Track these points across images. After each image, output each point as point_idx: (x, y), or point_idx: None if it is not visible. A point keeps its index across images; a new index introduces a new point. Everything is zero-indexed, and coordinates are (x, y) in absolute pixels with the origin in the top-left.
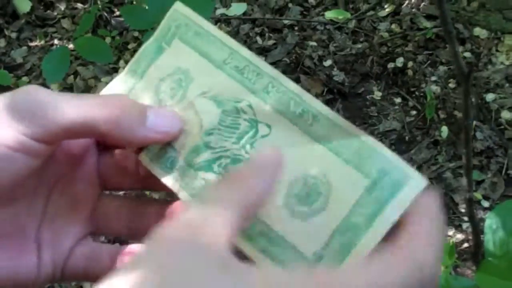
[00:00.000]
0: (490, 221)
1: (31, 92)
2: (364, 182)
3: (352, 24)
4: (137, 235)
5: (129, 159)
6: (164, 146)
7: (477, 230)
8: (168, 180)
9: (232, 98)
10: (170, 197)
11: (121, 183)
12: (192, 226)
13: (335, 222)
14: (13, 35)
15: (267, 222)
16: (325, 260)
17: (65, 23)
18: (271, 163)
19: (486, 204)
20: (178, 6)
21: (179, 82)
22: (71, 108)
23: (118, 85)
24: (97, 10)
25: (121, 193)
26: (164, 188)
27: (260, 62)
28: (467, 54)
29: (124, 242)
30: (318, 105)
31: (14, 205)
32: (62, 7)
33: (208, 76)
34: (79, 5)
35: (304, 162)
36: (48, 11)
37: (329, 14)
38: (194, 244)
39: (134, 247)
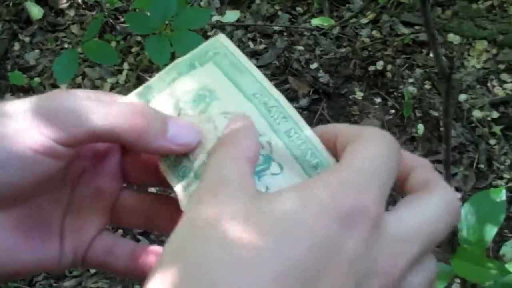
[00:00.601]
0: (464, 211)
1: (58, 98)
2: None
3: (336, 30)
4: (154, 229)
5: (152, 158)
6: (180, 156)
7: None
8: (178, 188)
9: None
10: None
11: (143, 180)
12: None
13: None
14: (27, 39)
15: None
16: None
17: (74, 29)
18: (250, 125)
19: (458, 195)
20: (221, 37)
21: (203, 97)
22: (96, 115)
23: (145, 90)
24: (103, 17)
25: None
26: None
27: (289, 106)
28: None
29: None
30: (329, 157)
31: (40, 198)
32: (72, 14)
33: (234, 100)
34: (87, 12)
35: None
36: (59, 18)
37: (315, 21)
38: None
39: (157, 249)
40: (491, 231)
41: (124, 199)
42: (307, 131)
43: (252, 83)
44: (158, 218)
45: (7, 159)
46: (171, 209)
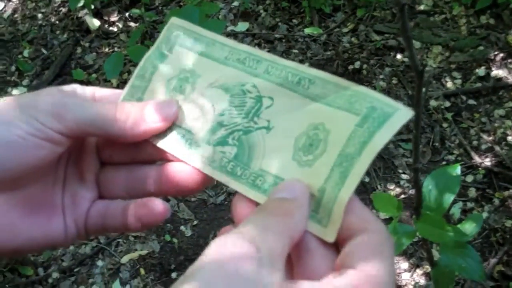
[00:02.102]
0: (427, 183)
1: (52, 95)
2: (354, 120)
3: (323, 38)
4: (135, 197)
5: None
6: (181, 131)
7: (420, 191)
8: (191, 160)
9: (238, 83)
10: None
11: (117, 156)
12: (247, 257)
13: (333, 159)
14: (86, 44)
15: (279, 175)
16: (327, 192)
17: (123, 36)
18: (305, 199)
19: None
20: (174, 20)
21: (186, 79)
22: (87, 111)
23: (131, 90)
24: (144, 28)
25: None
26: (156, 158)
27: (258, 51)
28: (406, 59)
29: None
30: (312, 71)
31: (41, 180)
32: (120, 25)
33: (213, 70)
34: (132, 24)
35: (305, 119)
36: (111, 28)
37: (307, 30)
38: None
39: (145, 201)
40: (448, 200)
41: (103, 174)
42: (281, 60)
43: (220, 49)
44: (136, 185)
45: (9, 143)
46: (147, 175)
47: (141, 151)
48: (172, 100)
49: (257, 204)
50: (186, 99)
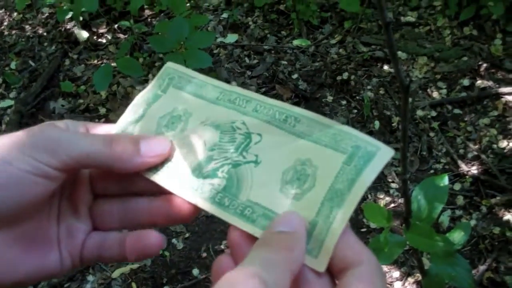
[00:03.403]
0: (416, 193)
1: (46, 131)
2: (341, 158)
3: (311, 49)
4: (130, 228)
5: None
6: (172, 165)
7: (409, 201)
8: (181, 192)
9: (228, 121)
10: (154, 195)
11: (111, 188)
12: None
13: (323, 194)
14: (75, 56)
15: (268, 207)
16: (319, 225)
17: (111, 48)
18: (303, 232)
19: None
20: (170, 64)
21: (179, 117)
22: (81, 145)
23: (124, 123)
24: (133, 39)
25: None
26: (147, 190)
27: (248, 92)
28: (392, 70)
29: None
30: (297, 110)
31: (37, 215)
32: (109, 37)
33: (204, 109)
34: (121, 35)
35: (292, 155)
36: (99, 39)
37: (296, 42)
38: None
39: (142, 233)
40: (437, 210)
41: (97, 206)
42: (269, 100)
43: (212, 91)
44: (130, 217)
45: (9, 182)
46: (140, 208)
47: (134, 183)
48: (166, 138)
49: (250, 234)
50: (178, 136)
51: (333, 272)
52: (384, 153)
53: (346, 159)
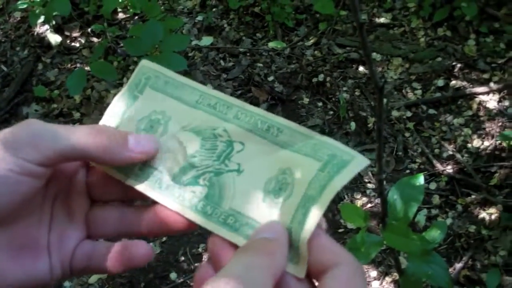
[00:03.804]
0: (392, 193)
1: (30, 125)
2: (317, 165)
3: (287, 51)
4: (125, 236)
5: (110, 178)
6: (152, 171)
7: (385, 201)
8: (161, 199)
9: (209, 127)
10: (150, 203)
11: (108, 194)
12: None
13: (297, 200)
14: (48, 60)
15: (250, 216)
16: (293, 231)
17: (85, 52)
18: (285, 240)
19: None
20: (145, 62)
21: (158, 120)
22: (65, 138)
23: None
24: (107, 43)
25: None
26: (144, 197)
27: (228, 97)
28: (367, 71)
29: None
30: (279, 120)
31: (26, 220)
32: (83, 40)
33: (184, 113)
34: (95, 39)
35: (275, 165)
36: (73, 43)
37: (271, 44)
38: None
39: (133, 243)
40: (413, 209)
41: (93, 214)
42: (250, 107)
43: (191, 93)
44: (125, 224)
45: None
46: (135, 216)
47: (133, 189)
48: (154, 136)
49: (231, 243)
50: (158, 140)
51: (312, 276)
52: (358, 162)
53: (321, 167)
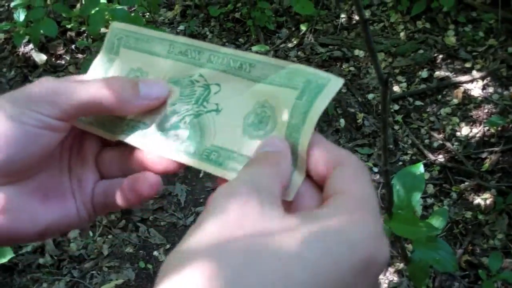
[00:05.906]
0: (394, 184)
1: (45, 82)
2: (294, 94)
3: (271, 54)
4: (129, 174)
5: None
6: (139, 124)
7: (391, 192)
8: (147, 146)
9: (186, 76)
10: None
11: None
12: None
13: (283, 132)
14: (35, 79)
15: (233, 149)
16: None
17: (71, 68)
18: (288, 151)
19: (375, 169)
20: (115, 24)
21: (136, 78)
22: (81, 92)
23: None
24: (93, 58)
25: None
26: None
27: (197, 42)
28: (352, 68)
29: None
30: (251, 56)
31: (48, 170)
32: (68, 57)
33: (159, 66)
34: (80, 55)
35: (251, 99)
36: (58, 61)
37: (255, 48)
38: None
39: (142, 175)
40: (416, 198)
41: (102, 157)
42: (220, 48)
43: (161, 45)
44: (129, 165)
45: (14, 138)
46: (138, 157)
47: None
48: (164, 80)
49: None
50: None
51: (319, 181)
52: (334, 83)
53: (298, 95)
